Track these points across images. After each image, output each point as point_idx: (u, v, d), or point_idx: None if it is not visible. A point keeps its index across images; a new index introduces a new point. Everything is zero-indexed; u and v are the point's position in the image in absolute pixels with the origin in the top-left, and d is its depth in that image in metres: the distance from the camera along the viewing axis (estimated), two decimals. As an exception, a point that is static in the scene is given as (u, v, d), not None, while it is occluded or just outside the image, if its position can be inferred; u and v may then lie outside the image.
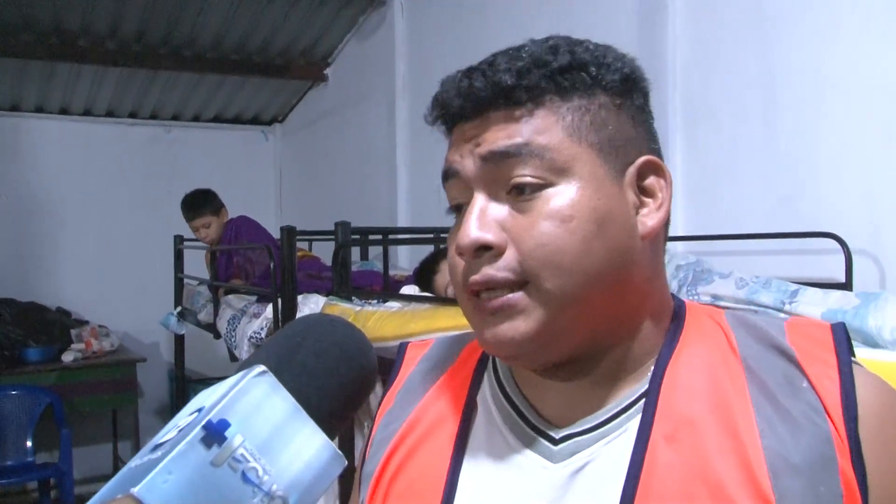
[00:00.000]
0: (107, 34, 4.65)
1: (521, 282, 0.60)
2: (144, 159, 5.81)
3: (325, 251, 3.81)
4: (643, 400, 0.61)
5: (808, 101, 2.26)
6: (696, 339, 0.64)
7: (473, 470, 0.65)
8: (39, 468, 4.51)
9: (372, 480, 0.69)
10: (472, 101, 0.62)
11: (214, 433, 0.43)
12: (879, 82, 2.07)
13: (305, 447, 0.46)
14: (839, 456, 0.55)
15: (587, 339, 0.62)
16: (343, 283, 2.69)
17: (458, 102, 0.63)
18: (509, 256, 0.60)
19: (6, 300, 5.11)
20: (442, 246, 2.83)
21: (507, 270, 0.60)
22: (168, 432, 0.45)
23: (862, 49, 2.11)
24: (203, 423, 0.43)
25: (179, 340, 4.54)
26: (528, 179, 0.60)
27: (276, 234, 3.28)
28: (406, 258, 4.23)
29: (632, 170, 0.62)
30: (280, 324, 2.78)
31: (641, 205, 0.63)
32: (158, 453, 0.42)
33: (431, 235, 3.07)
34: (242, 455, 0.43)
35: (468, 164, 0.62)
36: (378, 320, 2.20)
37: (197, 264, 4.27)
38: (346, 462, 0.47)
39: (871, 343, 1.54)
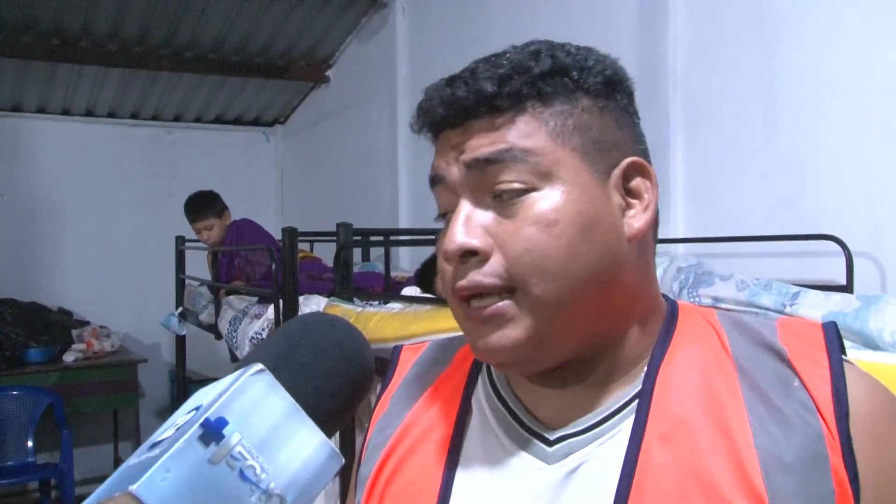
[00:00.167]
0: (108, 35, 4.66)
1: (508, 287, 0.60)
2: (146, 160, 5.81)
3: (326, 252, 3.81)
4: (636, 401, 0.62)
5: (809, 101, 2.25)
6: (688, 340, 0.64)
7: (468, 472, 0.65)
8: (40, 468, 4.50)
9: (367, 484, 0.69)
10: (454, 109, 0.62)
11: (212, 431, 0.43)
12: (880, 83, 2.07)
13: (303, 446, 0.46)
14: (831, 454, 0.56)
15: (579, 343, 0.62)
16: (345, 284, 2.69)
17: (441, 111, 0.63)
18: (495, 262, 0.60)
19: (7, 300, 5.11)
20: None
21: (494, 276, 0.60)
22: (166, 430, 0.45)
23: (862, 49, 2.11)
24: (201, 420, 0.43)
25: (180, 341, 4.54)
26: (513, 185, 0.60)
27: (277, 236, 3.28)
28: (407, 259, 4.23)
29: (617, 172, 0.62)
30: (281, 325, 2.78)
31: (628, 206, 0.63)
32: (156, 451, 0.42)
33: (433, 237, 3.04)
34: (240, 453, 0.43)
35: (453, 171, 0.63)
36: (379, 321, 2.20)
37: (198, 265, 4.27)
38: (344, 461, 0.47)
39: (872, 345, 1.53)
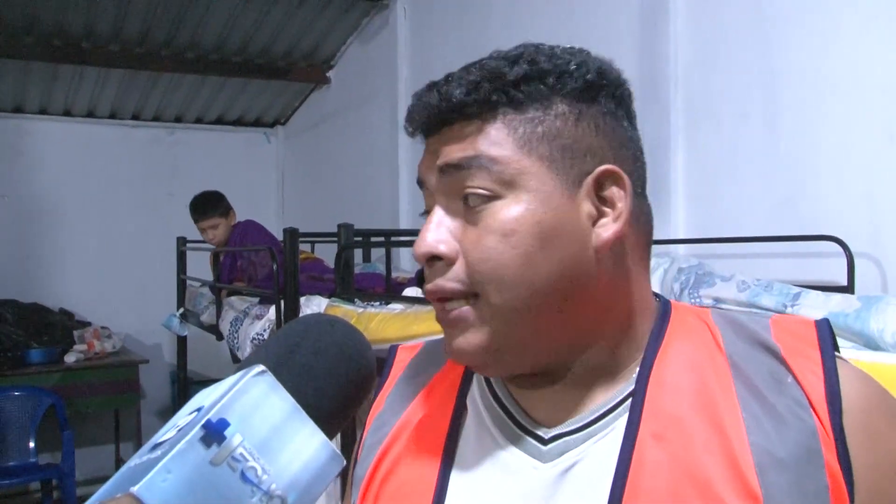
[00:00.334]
0: (110, 36, 4.66)
1: (470, 293, 0.61)
2: (147, 161, 5.82)
3: (326, 253, 3.81)
4: (630, 399, 0.62)
5: (809, 102, 2.25)
6: (681, 338, 0.65)
7: (463, 471, 0.65)
8: (42, 469, 4.51)
9: (363, 483, 0.70)
10: (428, 116, 0.63)
11: (214, 432, 0.43)
12: (880, 83, 2.07)
13: (304, 447, 0.46)
14: (825, 449, 0.56)
15: (549, 350, 0.63)
16: (346, 284, 2.70)
17: (418, 117, 0.65)
18: (458, 268, 0.61)
19: (9, 301, 5.12)
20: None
21: (456, 281, 0.61)
22: (167, 432, 0.45)
23: (862, 50, 2.11)
24: (202, 422, 0.43)
25: (182, 342, 4.55)
26: (477, 192, 0.60)
27: (278, 237, 3.28)
28: (408, 260, 4.23)
29: (589, 180, 0.62)
30: (282, 326, 2.78)
31: (600, 215, 0.62)
32: (158, 452, 0.43)
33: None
34: (241, 454, 0.43)
35: (431, 176, 0.64)
36: (381, 322, 2.21)
37: (199, 266, 4.28)
38: (345, 462, 0.47)
39: (873, 346, 1.53)
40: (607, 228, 0.62)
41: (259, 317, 3.08)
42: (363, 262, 4.13)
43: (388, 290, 2.70)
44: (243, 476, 0.43)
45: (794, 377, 0.59)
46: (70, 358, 4.83)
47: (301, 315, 2.75)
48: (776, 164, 2.35)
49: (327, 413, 0.50)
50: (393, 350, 0.80)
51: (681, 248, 2.57)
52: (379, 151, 4.61)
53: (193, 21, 4.62)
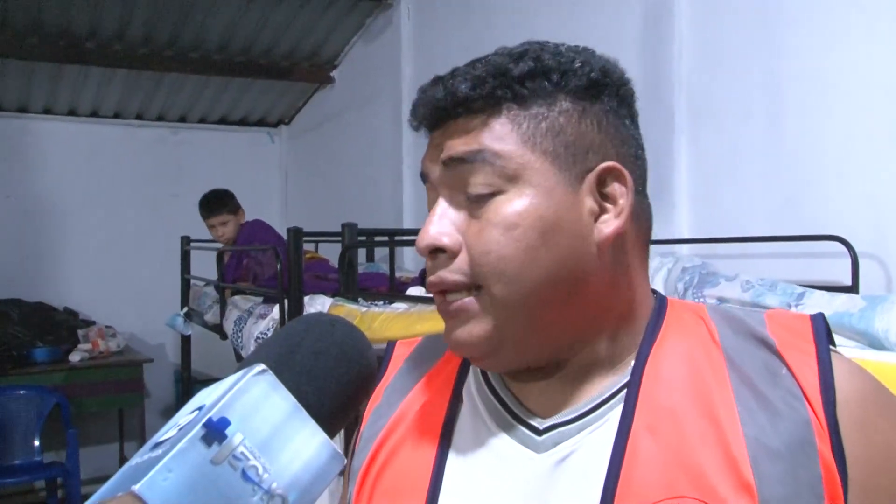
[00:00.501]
0: (114, 37, 4.67)
1: (472, 285, 0.62)
2: (151, 161, 5.83)
3: (330, 253, 3.81)
4: (625, 391, 0.63)
5: (813, 102, 2.25)
6: (676, 332, 0.65)
7: (459, 462, 0.66)
8: (47, 467, 4.52)
9: (359, 476, 0.70)
10: (434, 110, 0.64)
11: (215, 431, 0.43)
12: (884, 84, 2.06)
13: (305, 446, 0.46)
14: (818, 440, 0.57)
15: (548, 345, 0.63)
16: (349, 284, 2.70)
17: (422, 111, 0.65)
18: (461, 260, 0.62)
19: (14, 300, 5.13)
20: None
21: (459, 273, 0.62)
22: (168, 430, 0.45)
23: (866, 51, 2.10)
24: (203, 421, 0.43)
25: (186, 341, 4.56)
26: (480, 187, 0.61)
27: (283, 236, 3.28)
28: (412, 260, 4.23)
29: (591, 176, 0.62)
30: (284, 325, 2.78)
31: (602, 211, 0.63)
32: (159, 451, 0.43)
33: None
34: (242, 453, 0.43)
35: (434, 170, 0.65)
36: (384, 321, 2.21)
37: (203, 265, 4.28)
38: (346, 461, 0.47)
39: (878, 345, 1.53)
40: (609, 224, 0.63)
41: (263, 316, 3.08)
42: (367, 261, 4.14)
43: (392, 290, 2.70)
44: (244, 475, 0.43)
45: (789, 369, 0.60)
46: (74, 357, 4.84)
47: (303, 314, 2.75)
48: (780, 164, 2.35)
49: (328, 412, 0.50)
50: (391, 345, 0.81)
51: (684, 248, 2.56)
52: (382, 151, 4.61)
53: (197, 21, 4.63)
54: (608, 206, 0.63)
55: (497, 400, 0.68)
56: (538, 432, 0.64)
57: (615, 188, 0.63)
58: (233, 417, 0.44)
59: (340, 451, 0.47)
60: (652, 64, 2.71)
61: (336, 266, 3.03)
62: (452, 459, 0.66)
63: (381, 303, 2.48)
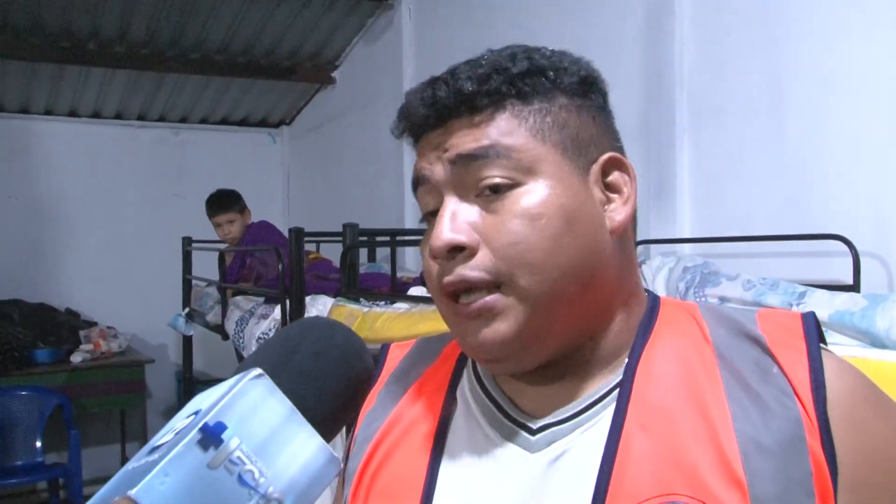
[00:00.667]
0: (115, 37, 4.67)
1: (495, 282, 0.61)
2: (152, 161, 5.84)
3: (331, 253, 3.81)
4: (618, 390, 0.63)
5: (815, 102, 2.24)
6: (669, 331, 0.66)
7: (453, 463, 0.66)
8: (49, 468, 4.53)
9: (354, 479, 0.70)
10: (435, 109, 0.64)
11: (211, 436, 0.43)
12: (887, 83, 2.06)
13: (302, 450, 0.46)
14: (809, 437, 0.57)
15: (566, 335, 0.63)
16: (351, 284, 2.70)
17: (422, 112, 0.65)
18: (482, 256, 0.61)
19: (15, 301, 5.14)
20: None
21: (481, 270, 0.61)
22: (165, 435, 0.45)
23: (869, 50, 2.10)
24: (200, 425, 0.43)
25: (187, 342, 4.56)
26: (497, 180, 0.61)
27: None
28: (413, 260, 4.23)
29: (595, 167, 0.65)
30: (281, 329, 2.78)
31: (608, 201, 0.65)
32: (156, 455, 0.42)
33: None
34: (239, 458, 0.43)
35: (437, 170, 0.64)
36: (386, 321, 2.21)
37: (205, 266, 4.28)
38: (343, 465, 0.47)
39: (879, 344, 1.53)
40: (619, 212, 0.65)
41: (264, 316, 3.08)
42: (368, 261, 4.14)
43: (394, 290, 2.70)
44: (241, 479, 0.43)
45: (780, 367, 0.60)
46: (76, 358, 4.84)
47: (306, 314, 2.76)
48: (782, 164, 2.34)
49: (325, 416, 0.50)
50: (385, 348, 0.81)
51: (686, 248, 2.56)
52: (384, 151, 4.61)
53: (199, 22, 4.63)
54: (613, 196, 0.65)
55: (490, 401, 0.68)
56: (532, 432, 0.64)
57: (617, 177, 0.66)
58: (229, 422, 0.43)
59: (337, 454, 0.47)
60: (653, 63, 2.70)
61: (338, 266, 3.03)
62: (447, 461, 0.66)
63: (383, 303, 2.48)
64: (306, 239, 2.90)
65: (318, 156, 5.77)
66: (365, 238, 3.12)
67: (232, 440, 0.43)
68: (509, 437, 0.65)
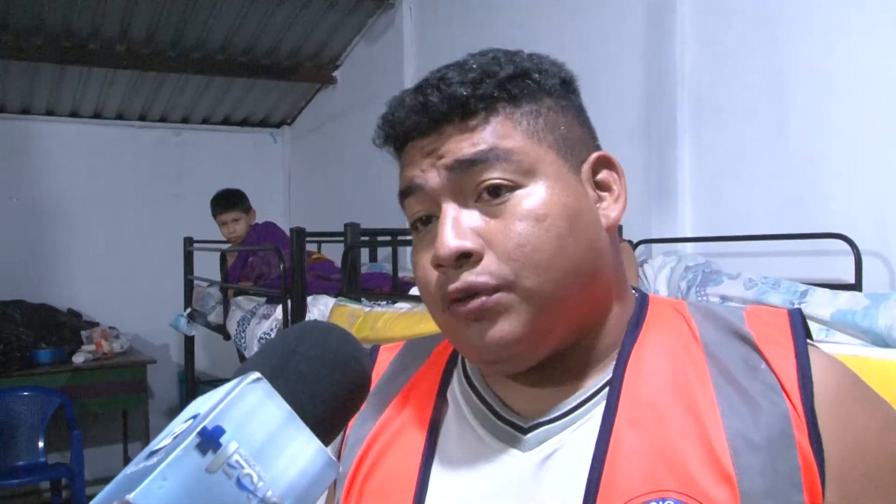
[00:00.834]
0: (117, 38, 4.68)
1: (500, 286, 0.61)
2: (154, 161, 5.84)
3: (333, 253, 3.82)
4: (608, 387, 0.63)
5: (817, 101, 2.24)
6: (658, 328, 0.66)
7: (445, 464, 0.66)
8: (51, 468, 4.54)
9: (346, 481, 0.70)
10: (427, 115, 0.63)
11: (209, 440, 0.42)
12: (888, 82, 2.06)
13: (300, 454, 0.45)
14: (797, 432, 0.57)
15: (567, 333, 0.63)
16: (352, 284, 2.70)
17: (412, 119, 0.64)
18: (487, 261, 0.61)
19: (17, 302, 5.14)
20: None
21: (487, 275, 0.61)
22: (164, 439, 0.45)
23: (871, 49, 2.10)
24: (198, 429, 0.42)
25: (189, 342, 4.57)
26: (499, 183, 0.61)
27: (284, 236, 3.29)
28: (414, 259, 4.22)
29: (586, 167, 0.66)
30: (289, 325, 2.79)
31: (600, 199, 0.66)
32: (154, 460, 0.42)
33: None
34: (237, 461, 0.43)
35: (432, 178, 0.63)
36: (387, 321, 2.21)
37: (206, 266, 4.29)
38: (341, 469, 0.47)
39: (881, 343, 1.53)
40: (612, 209, 0.66)
41: (266, 316, 3.09)
42: (370, 261, 4.14)
43: (395, 290, 2.71)
44: (239, 483, 0.43)
45: (768, 363, 0.61)
46: (78, 358, 4.85)
47: (308, 314, 2.76)
48: (783, 163, 2.34)
49: (323, 420, 0.50)
50: (374, 350, 0.81)
51: (688, 247, 2.56)
52: (385, 151, 4.60)
53: (200, 22, 4.63)
54: (604, 194, 0.66)
55: (480, 401, 0.68)
56: (523, 431, 0.64)
57: (607, 175, 0.67)
58: (227, 426, 0.43)
59: (335, 458, 0.47)
60: (654, 63, 2.70)
61: (339, 266, 3.04)
62: (438, 461, 0.66)
63: (384, 303, 2.48)
64: (307, 239, 2.90)
65: (320, 155, 5.77)
66: (366, 238, 3.12)
67: (230, 444, 0.43)
68: (500, 436, 0.65)
